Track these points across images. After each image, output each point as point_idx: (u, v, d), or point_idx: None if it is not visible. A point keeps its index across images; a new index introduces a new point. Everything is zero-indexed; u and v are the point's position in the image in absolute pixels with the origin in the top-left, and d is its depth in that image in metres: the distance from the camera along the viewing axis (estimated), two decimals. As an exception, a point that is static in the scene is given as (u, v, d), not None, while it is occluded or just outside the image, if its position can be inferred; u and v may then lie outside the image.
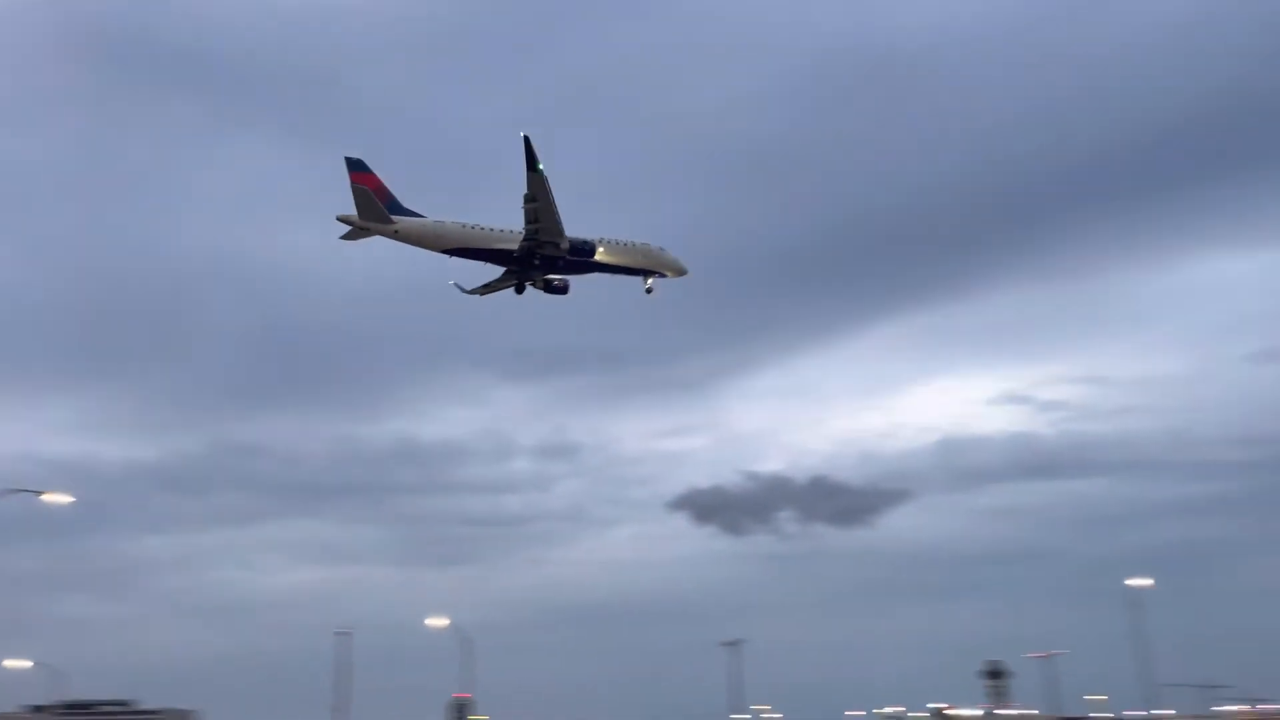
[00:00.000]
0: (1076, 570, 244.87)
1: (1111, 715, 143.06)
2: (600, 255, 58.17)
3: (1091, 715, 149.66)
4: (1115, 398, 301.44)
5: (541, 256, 53.26)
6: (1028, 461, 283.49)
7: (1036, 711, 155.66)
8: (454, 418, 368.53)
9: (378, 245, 62.93)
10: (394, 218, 53.82)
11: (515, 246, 52.69)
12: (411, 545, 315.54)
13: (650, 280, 60.48)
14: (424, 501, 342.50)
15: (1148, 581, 50.03)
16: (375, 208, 53.58)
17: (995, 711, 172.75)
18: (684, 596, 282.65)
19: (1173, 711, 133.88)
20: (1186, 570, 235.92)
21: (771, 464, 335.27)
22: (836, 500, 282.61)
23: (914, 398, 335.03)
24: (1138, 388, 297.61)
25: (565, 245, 52.51)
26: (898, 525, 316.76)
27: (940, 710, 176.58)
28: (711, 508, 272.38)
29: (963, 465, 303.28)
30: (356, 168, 54.35)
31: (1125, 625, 48.98)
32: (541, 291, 57.62)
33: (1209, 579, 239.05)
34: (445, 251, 56.53)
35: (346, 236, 56.33)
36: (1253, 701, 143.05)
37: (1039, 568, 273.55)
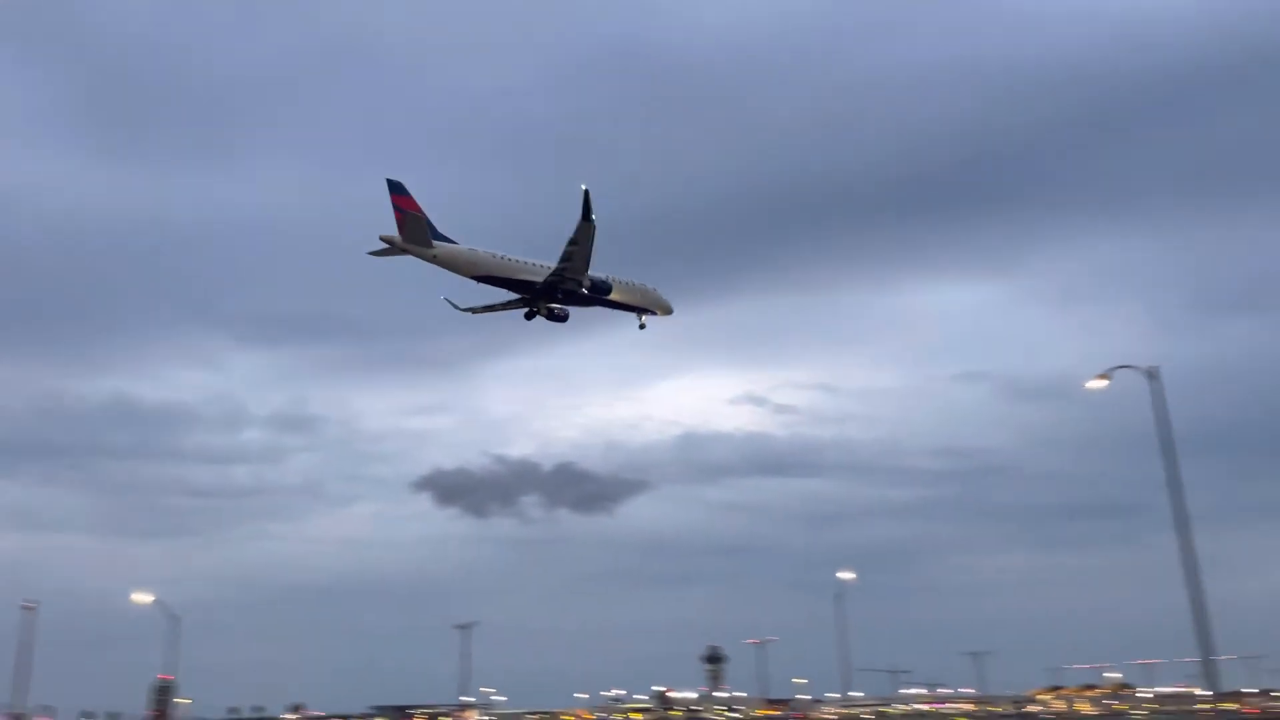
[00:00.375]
0: (795, 563, 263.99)
1: (811, 697, 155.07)
2: (613, 294, 59.74)
3: (796, 697, 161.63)
4: (840, 405, 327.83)
5: (562, 290, 55.01)
6: (760, 459, 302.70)
7: (745, 694, 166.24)
8: (180, 380, 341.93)
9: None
10: (434, 243, 54.02)
11: (540, 279, 54.22)
12: (121, 514, 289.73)
13: (644, 317, 61.67)
14: (139, 467, 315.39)
15: (851, 575, 54.69)
16: (422, 233, 53.92)
17: (712, 694, 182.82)
18: (421, 578, 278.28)
19: (862, 693, 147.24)
20: (888, 566, 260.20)
21: (520, 448, 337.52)
22: (581, 487, 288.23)
23: (661, 392, 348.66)
24: (860, 398, 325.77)
25: (587, 283, 55.11)
26: (637, 514, 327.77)
27: (662, 693, 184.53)
28: (456, 489, 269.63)
29: (701, 459, 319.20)
30: (397, 190, 53.49)
31: (832, 614, 53.83)
32: (544, 318, 58.34)
33: (906, 574, 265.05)
34: (475, 278, 57.06)
35: (378, 253, 55.33)
36: (931, 686, 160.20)
37: (763, 559, 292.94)
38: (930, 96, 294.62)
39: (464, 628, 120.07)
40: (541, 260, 55.24)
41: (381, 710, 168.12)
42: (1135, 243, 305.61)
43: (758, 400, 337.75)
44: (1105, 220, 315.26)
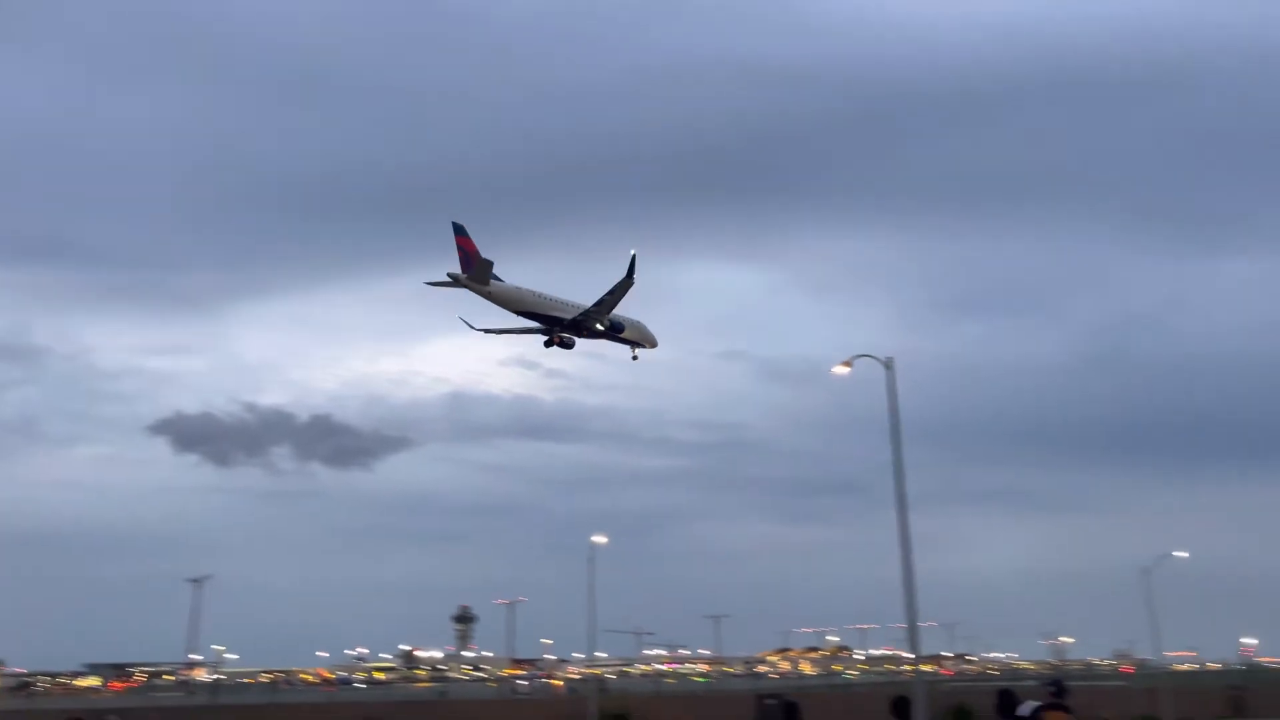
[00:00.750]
0: (552, 526, 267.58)
1: (556, 657, 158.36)
2: (624, 332, 66.81)
3: (543, 657, 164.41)
4: (609, 375, 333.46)
5: (585, 326, 61.11)
6: (527, 422, 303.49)
7: (492, 654, 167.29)
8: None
9: None
10: (490, 282, 60.03)
11: (569, 316, 60.74)
12: None
13: (636, 351, 67.19)
14: None
15: (603, 539, 55.87)
16: (486, 275, 58.69)
17: (460, 653, 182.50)
18: (152, 528, 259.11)
19: (605, 654, 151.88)
20: (642, 531, 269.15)
21: (273, 397, 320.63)
22: (337, 441, 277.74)
23: (431, 350, 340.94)
24: (628, 368, 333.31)
25: (606, 324, 61.99)
26: (396, 471, 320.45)
27: (409, 652, 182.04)
28: (198, 435, 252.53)
29: (468, 420, 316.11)
30: (460, 231, 59.20)
31: (583, 577, 55.18)
32: (556, 345, 64.30)
33: (658, 540, 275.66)
34: (516, 312, 62.13)
35: (436, 283, 59.16)
36: (671, 647, 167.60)
37: (521, 521, 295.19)
38: (719, 86, 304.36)
39: (196, 582, 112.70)
40: (571, 299, 62.39)
41: (97, 668, 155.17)
42: (890, 242, 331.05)
43: (529, 364, 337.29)
44: (866, 219, 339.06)
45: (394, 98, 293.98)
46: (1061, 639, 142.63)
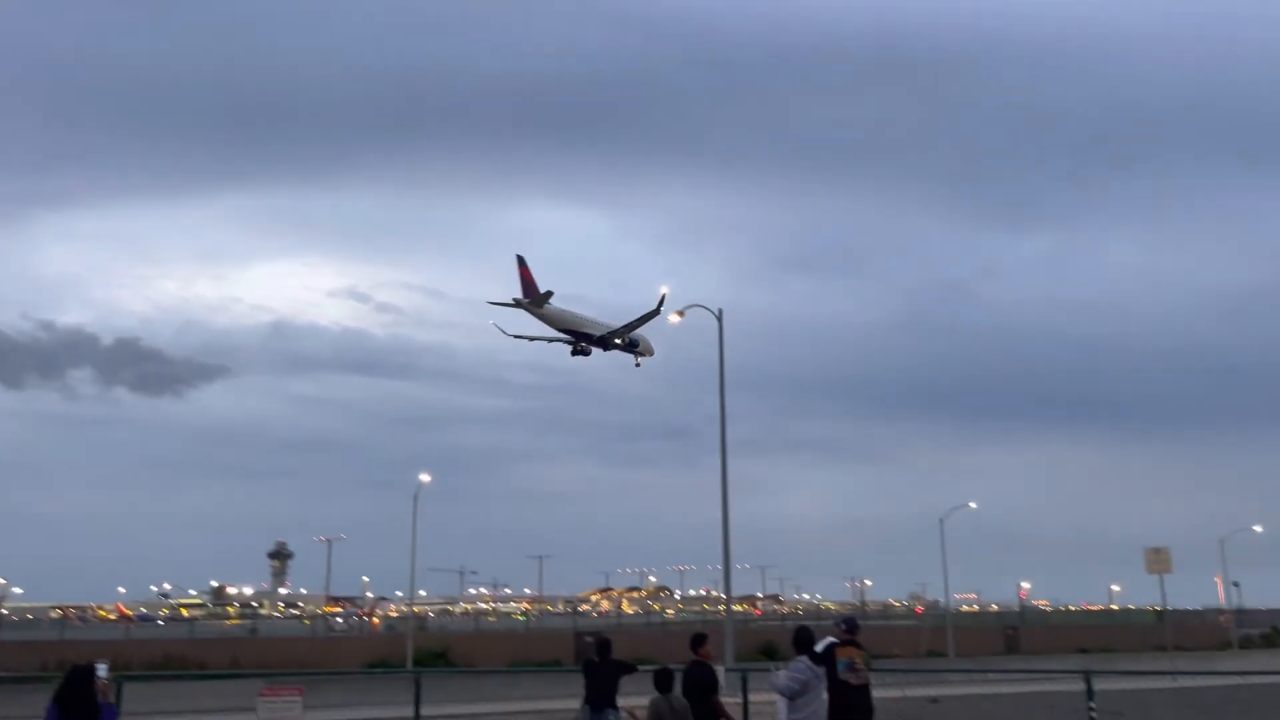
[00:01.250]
0: (378, 463, 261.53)
1: (375, 595, 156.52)
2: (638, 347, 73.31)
3: (367, 595, 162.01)
4: (444, 312, 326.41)
5: (608, 342, 70.23)
6: (355, 357, 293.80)
7: (306, 591, 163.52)
8: None
9: None
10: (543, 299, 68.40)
11: (598, 333, 70.12)
12: None
13: (640, 360, 73.63)
14: None
15: (428, 477, 55.10)
16: (544, 301, 67.89)
17: (275, 590, 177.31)
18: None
19: (426, 593, 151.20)
20: (470, 471, 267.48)
21: (74, 316, 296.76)
22: (146, 367, 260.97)
23: (253, 275, 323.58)
24: (465, 306, 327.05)
25: (626, 340, 69.72)
26: (212, 401, 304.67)
27: (219, 588, 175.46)
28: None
29: (292, 351, 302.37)
30: (522, 263, 68.05)
31: (408, 515, 54.49)
32: (580, 354, 71.20)
33: (486, 480, 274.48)
34: (558, 329, 70.09)
35: (496, 303, 69.23)
36: (495, 586, 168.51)
37: (345, 457, 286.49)
38: (570, 24, 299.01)
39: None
40: (600, 319, 70.83)
41: None
42: (728, 198, 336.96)
43: (360, 296, 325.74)
44: (707, 174, 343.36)
45: (226, 8, 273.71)
46: (863, 581, 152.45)
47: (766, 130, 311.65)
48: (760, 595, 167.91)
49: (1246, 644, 76.47)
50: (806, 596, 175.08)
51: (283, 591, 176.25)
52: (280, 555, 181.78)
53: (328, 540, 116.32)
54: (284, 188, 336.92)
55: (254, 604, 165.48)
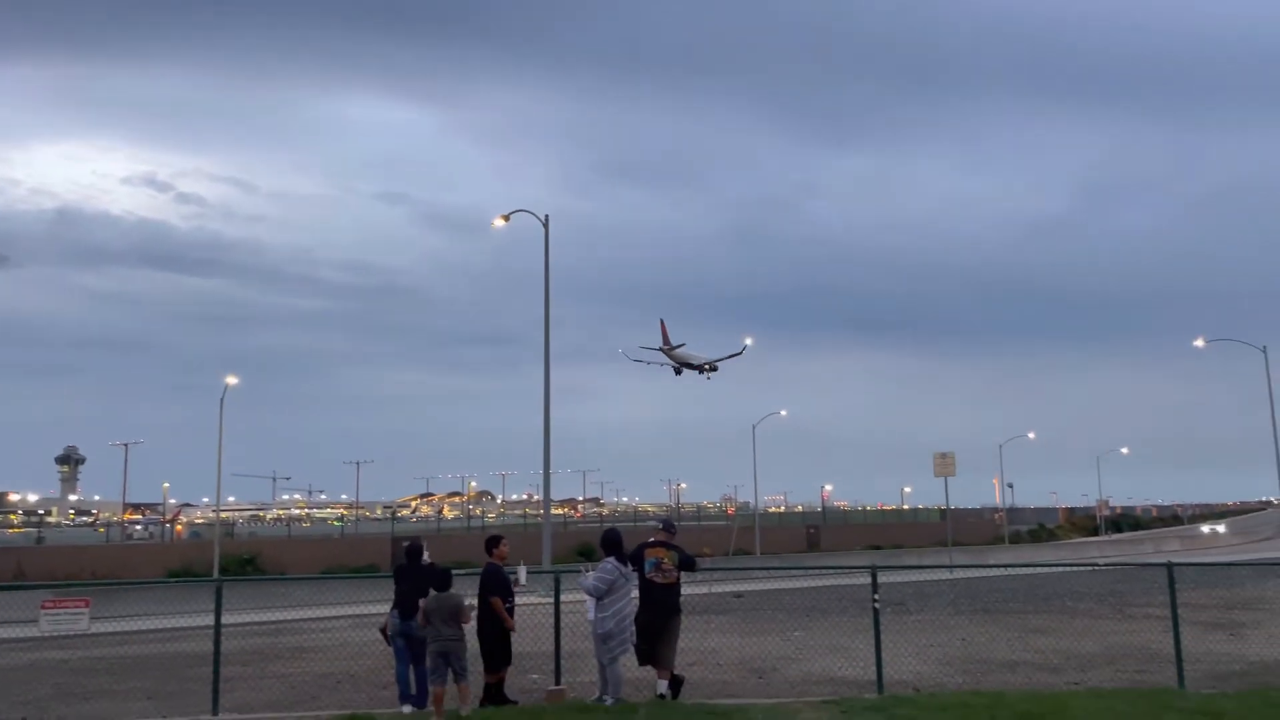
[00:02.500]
0: (180, 364, 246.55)
1: (179, 502, 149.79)
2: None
3: (170, 503, 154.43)
4: (254, 205, 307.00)
5: (703, 369, 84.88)
6: (154, 250, 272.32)
7: (100, 496, 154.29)
8: None
9: None
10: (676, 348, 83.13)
11: (698, 364, 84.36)
12: None
13: (709, 375, 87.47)
14: None
15: (236, 380, 52.35)
16: (674, 346, 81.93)
17: (65, 497, 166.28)
18: None
19: (233, 499, 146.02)
20: (283, 374, 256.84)
21: None
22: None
23: (33, 156, 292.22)
24: (276, 200, 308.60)
25: (713, 367, 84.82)
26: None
27: (1, 495, 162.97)
28: None
29: (81, 241, 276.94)
30: (663, 324, 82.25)
31: (213, 418, 51.47)
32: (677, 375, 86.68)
33: (301, 383, 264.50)
34: (676, 363, 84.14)
35: (646, 348, 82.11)
36: (310, 492, 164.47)
37: (144, 357, 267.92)
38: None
39: None
40: (704, 355, 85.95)
41: None
42: (561, 100, 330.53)
43: (159, 185, 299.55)
44: (540, 74, 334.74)
45: None
46: (679, 484, 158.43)
47: (602, 33, 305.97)
48: (581, 498, 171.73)
49: (1016, 539, 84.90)
50: (626, 500, 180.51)
51: (73, 499, 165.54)
52: (70, 460, 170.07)
53: (125, 445, 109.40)
54: (72, 59, 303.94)
55: (41, 511, 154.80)
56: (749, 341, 77.26)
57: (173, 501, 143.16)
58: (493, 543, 11.61)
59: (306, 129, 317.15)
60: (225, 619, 11.48)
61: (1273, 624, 17.96)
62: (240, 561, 50.72)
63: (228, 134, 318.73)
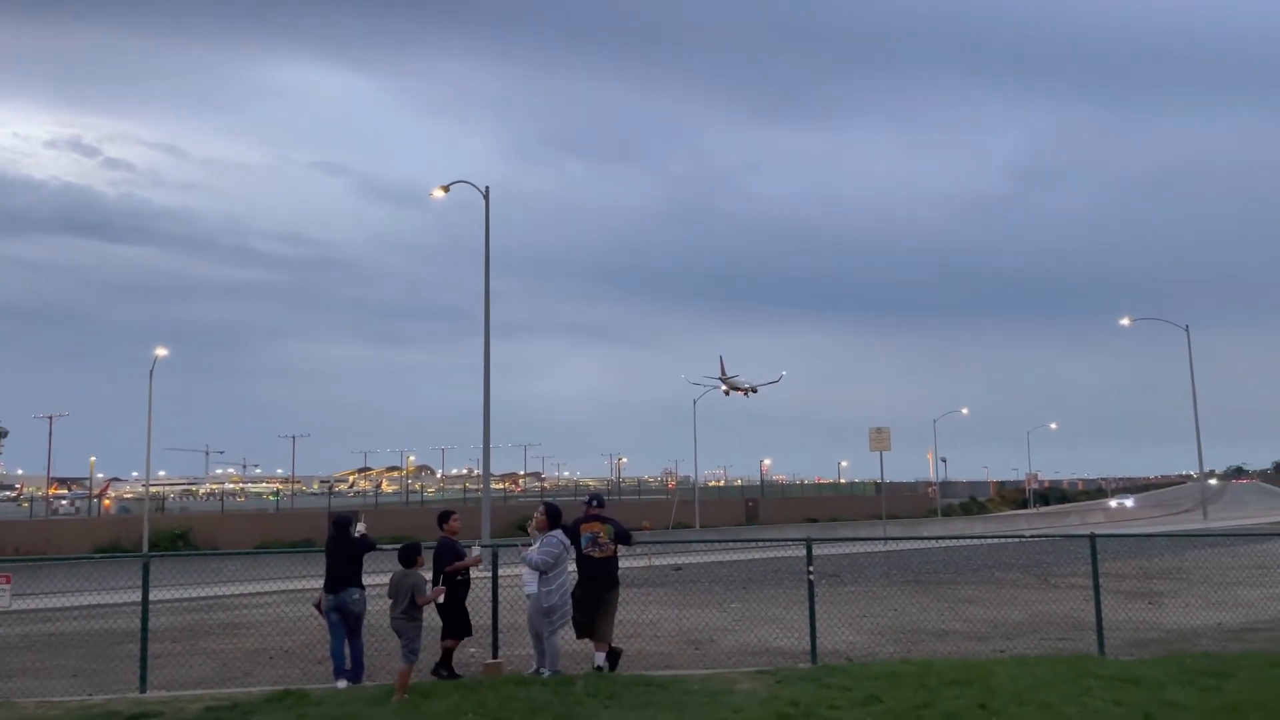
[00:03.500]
0: (107, 335, 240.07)
1: (107, 476, 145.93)
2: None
3: (98, 476, 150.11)
4: (185, 172, 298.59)
5: (748, 392, 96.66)
6: (79, 217, 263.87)
7: (23, 471, 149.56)
8: None
9: None
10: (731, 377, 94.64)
11: (744, 388, 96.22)
12: None
13: (749, 395, 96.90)
14: None
15: (165, 351, 51.01)
16: (730, 377, 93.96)
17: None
18: None
19: (164, 473, 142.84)
20: (217, 346, 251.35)
21: None
22: None
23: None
24: (208, 167, 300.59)
25: (754, 390, 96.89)
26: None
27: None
28: None
29: (1, 207, 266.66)
30: (721, 361, 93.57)
31: (143, 391, 49.88)
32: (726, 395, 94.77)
33: (235, 356, 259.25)
34: (728, 387, 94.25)
35: (708, 376, 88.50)
36: (244, 466, 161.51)
37: (71, 328, 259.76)
38: None
39: None
40: (750, 381, 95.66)
41: None
42: (509, 71, 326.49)
43: (86, 149, 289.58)
44: (483, 43, 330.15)
45: None
46: (620, 459, 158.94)
47: (547, 6, 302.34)
48: (522, 473, 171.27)
49: (948, 512, 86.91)
50: (567, 474, 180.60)
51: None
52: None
53: (49, 418, 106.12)
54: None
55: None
56: (784, 373, 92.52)
57: (100, 476, 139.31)
58: (444, 518, 11.61)
59: (241, 94, 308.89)
60: (155, 595, 11.26)
61: (1189, 593, 18.66)
62: (171, 537, 49.70)
63: (157, 97, 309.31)
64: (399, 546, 10.74)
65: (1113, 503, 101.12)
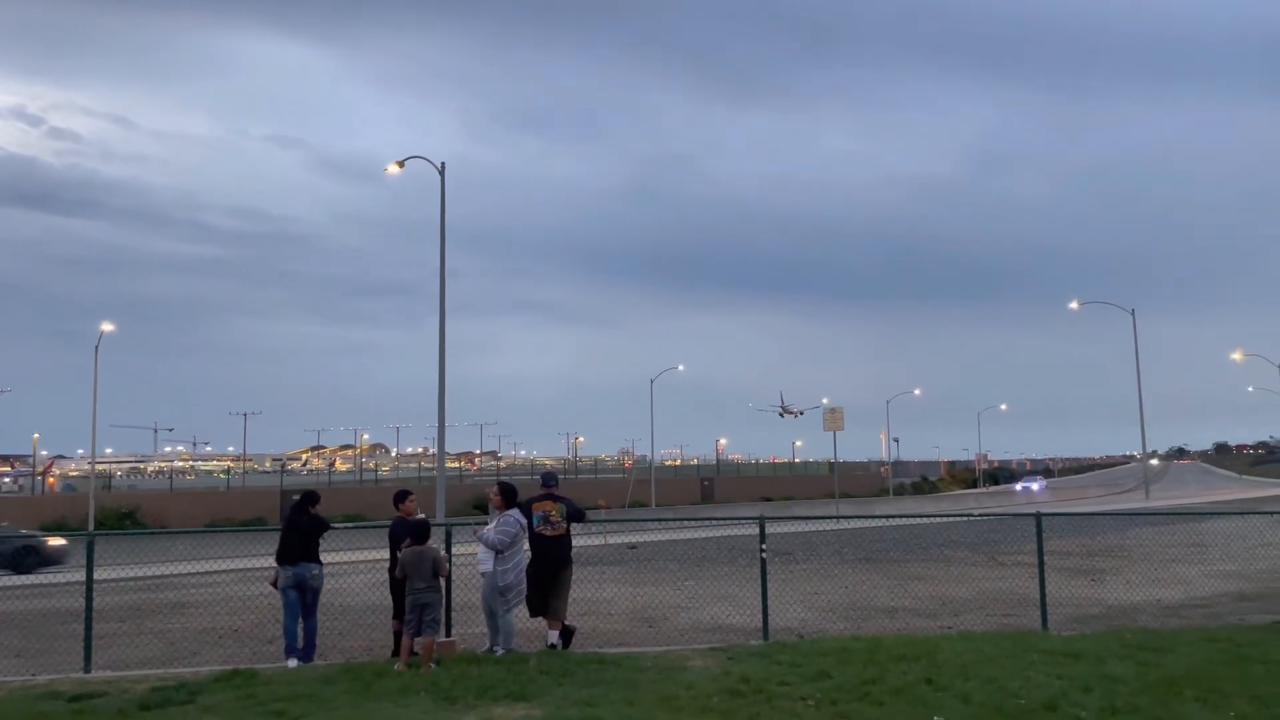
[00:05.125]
0: (54, 310, 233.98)
1: (50, 453, 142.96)
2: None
3: (42, 454, 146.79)
4: (134, 143, 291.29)
5: (796, 415, 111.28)
6: (24, 188, 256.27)
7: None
8: None
9: None
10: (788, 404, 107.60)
11: (795, 412, 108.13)
12: None
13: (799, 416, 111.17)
14: None
15: (111, 326, 49.84)
16: (788, 405, 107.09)
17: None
18: None
19: (111, 450, 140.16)
20: (167, 322, 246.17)
21: None
22: None
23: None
24: (159, 139, 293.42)
25: (802, 413, 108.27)
26: None
27: None
28: None
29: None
30: (781, 396, 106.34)
31: (89, 367, 48.58)
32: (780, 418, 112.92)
33: (186, 333, 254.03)
34: (782, 413, 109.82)
35: (772, 404, 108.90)
36: (194, 443, 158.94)
37: (14, 301, 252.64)
38: None
39: None
40: (799, 407, 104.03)
41: None
42: (468, 47, 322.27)
43: (31, 118, 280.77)
44: (446, 17, 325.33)
45: None
46: (577, 438, 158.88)
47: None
48: (479, 452, 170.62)
49: (900, 491, 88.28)
50: (524, 453, 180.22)
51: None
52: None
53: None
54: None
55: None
56: (826, 400, 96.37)
57: (45, 453, 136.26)
58: (400, 497, 11.53)
59: (192, 64, 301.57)
60: (101, 574, 11.08)
61: (1130, 570, 19.16)
62: (118, 515, 48.87)
63: (106, 66, 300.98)
64: (412, 524, 10.75)
65: (1018, 486, 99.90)
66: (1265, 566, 18.44)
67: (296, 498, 11.86)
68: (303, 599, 10.93)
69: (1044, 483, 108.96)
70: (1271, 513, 19.03)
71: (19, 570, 24.71)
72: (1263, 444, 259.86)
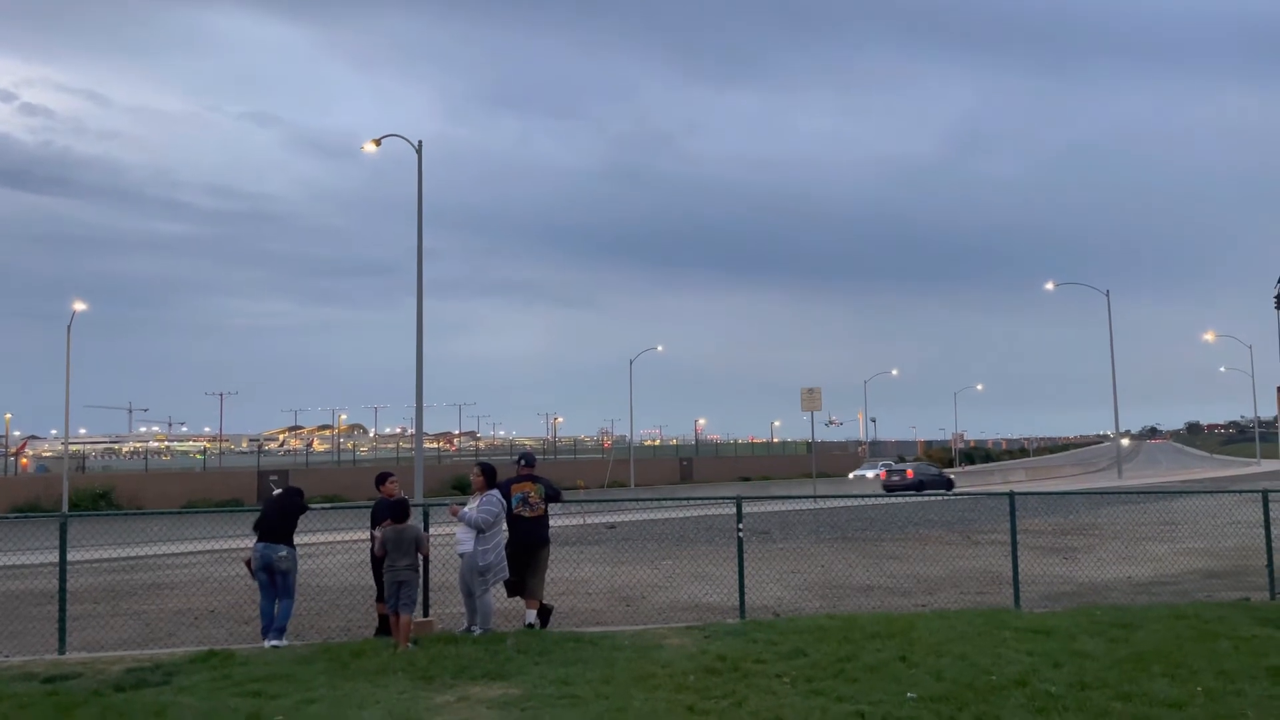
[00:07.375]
0: (26, 289, 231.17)
1: (23, 434, 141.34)
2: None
3: (15, 435, 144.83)
4: (108, 120, 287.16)
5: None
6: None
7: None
8: None
9: None
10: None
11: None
12: None
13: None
14: None
15: (84, 305, 49.08)
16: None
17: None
18: None
19: (85, 430, 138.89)
20: (143, 301, 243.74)
21: None
22: None
23: None
24: (134, 116, 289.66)
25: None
26: None
27: None
28: None
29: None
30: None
31: (62, 347, 47.90)
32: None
33: (162, 312, 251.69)
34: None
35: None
36: (170, 423, 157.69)
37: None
38: None
39: None
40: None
41: None
42: (447, 26, 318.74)
43: (3, 94, 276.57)
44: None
45: None
46: (556, 418, 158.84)
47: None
48: (457, 432, 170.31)
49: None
50: (503, 433, 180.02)
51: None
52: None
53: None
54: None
55: None
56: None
57: (17, 434, 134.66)
58: (381, 479, 11.54)
59: (167, 40, 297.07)
60: (75, 556, 10.99)
61: (1102, 549, 19.42)
62: (93, 496, 48.42)
63: (79, 42, 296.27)
64: (392, 503, 10.75)
65: (851, 475, 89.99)
66: (1234, 544, 18.74)
67: (273, 477, 11.83)
68: (273, 581, 10.90)
69: (884, 466, 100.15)
70: (1240, 491, 19.32)
71: None
72: (1234, 423, 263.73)
